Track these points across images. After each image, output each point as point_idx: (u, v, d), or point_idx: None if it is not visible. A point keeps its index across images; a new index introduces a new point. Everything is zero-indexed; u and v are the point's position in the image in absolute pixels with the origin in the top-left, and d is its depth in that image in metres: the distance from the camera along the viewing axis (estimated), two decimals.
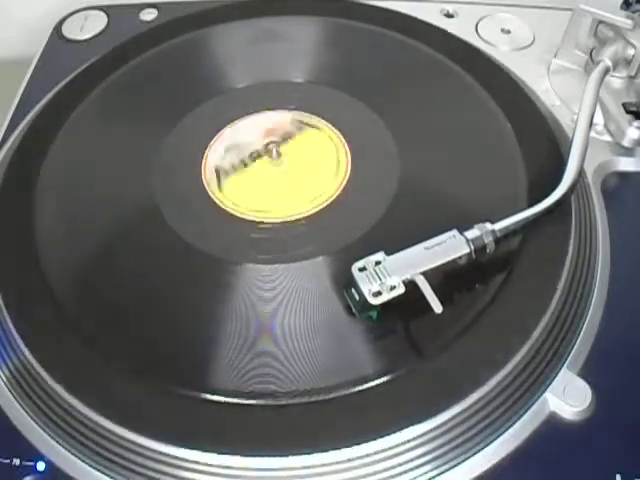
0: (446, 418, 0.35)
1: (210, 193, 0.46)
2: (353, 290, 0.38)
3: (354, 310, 0.39)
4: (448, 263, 0.38)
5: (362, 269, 0.38)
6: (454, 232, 0.39)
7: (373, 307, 0.37)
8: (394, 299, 0.37)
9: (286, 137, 0.49)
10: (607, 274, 0.42)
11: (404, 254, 0.38)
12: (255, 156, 0.48)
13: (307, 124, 0.50)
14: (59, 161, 0.48)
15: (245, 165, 0.47)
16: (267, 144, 0.48)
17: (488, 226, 0.39)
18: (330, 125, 0.49)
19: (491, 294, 0.39)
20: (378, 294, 0.37)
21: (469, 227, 0.39)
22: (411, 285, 0.37)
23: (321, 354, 0.38)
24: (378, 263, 0.38)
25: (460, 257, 0.38)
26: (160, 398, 0.36)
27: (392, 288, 0.37)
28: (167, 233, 0.44)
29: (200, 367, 0.38)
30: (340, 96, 0.51)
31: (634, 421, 0.36)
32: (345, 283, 0.39)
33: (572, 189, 0.41)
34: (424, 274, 0.37)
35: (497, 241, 0.39)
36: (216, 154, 0.48)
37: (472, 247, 0.38)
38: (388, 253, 0.38)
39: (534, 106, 0.49)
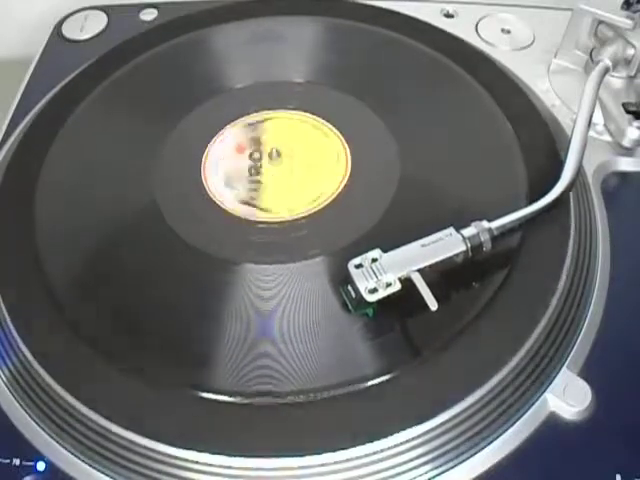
0: (446, 418, 0.35)
1: (210, 193, 0.46)
2: (349, 287, 0.38)
3: (350, 307, 0.39)
4: (445, 261, 0.38)
5: (358, 266, 0.38)
6: (451, 230, 0.39)
7: (369, 304, 0.37)
8: (393, 298, 0.37)
9: (257, 140, 0.49)
10: (607, 274, 0.42)
11: (400, 251, 0.39)
12: (256, 170, 0.47)
13: (263, 120, 0.50)
14: (59, 161, 0.48)
15: (260, 182, 0.47)
16: (250, 155, 0.48)
17: (485, 224, 0.39)
18: (330, 125, 0.49)
19: (490, 293, 0.39)
20: (374, 291, 0.37)
21: (467, 225, 0.39)
22: (408, 283, 0.37)
23: (321, 354, 0.38)
24: (374, 260, 0.38)
25: (457, 255, 0.38)
26: (160, 398, 0.36)
27: (388, 285, 0.37)
28: (167, 233, 0.44)
29: (200, 367, 0.38)
30: (340, 96, 0.51)
31: (634, 421, 0.36)
32: (341, 280, 0.39)
33: (570, 187, 0.41)
34: (421, 271, 0.37)
35: (494, 239, 0.39)
36: (223, 193, 0.46)
37: (468, 245, 0.39)
38: (387, 252, 0.38)
39: (534, 106, 0.49)
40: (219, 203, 0.46)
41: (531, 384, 0.37)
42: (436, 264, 0.38)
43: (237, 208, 0.45)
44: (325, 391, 0.36)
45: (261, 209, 0.45)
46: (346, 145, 0.48)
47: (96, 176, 0.48)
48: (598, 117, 0.48)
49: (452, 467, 0.35)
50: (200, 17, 0.57)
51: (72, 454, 0.37)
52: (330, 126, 0.49)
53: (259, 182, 0.47)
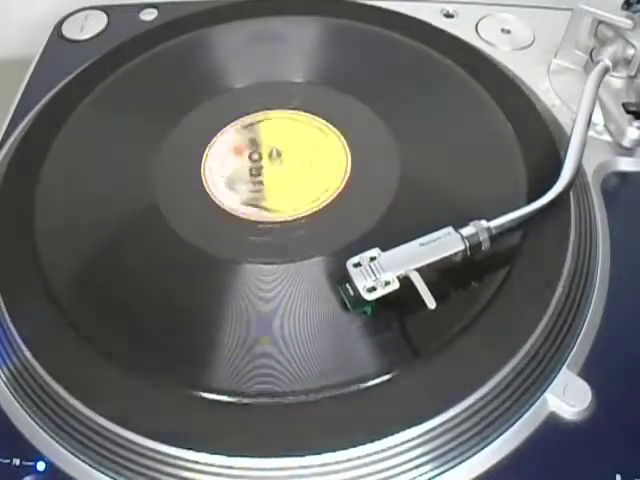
0: (446, 418, 0.35)
1: (210, 193, 0.46)
2: (348, 285, 0.38)
3: (348, 305, 0.39)
4: (443, 260, 0.38)
5: (357, 264, 0.38)
6: (449, 229, 0.39)
7: (367, 303, 0.37)
8: (394, 298, 0.37)
9: (254, 142, 0.49)
10: (607, 274, 0.42)
11: (399, 250, 0.39)
12: (257, 170, 0.47)
13: (255, 122, 0.50)
14: (59, 161, 0.48)
15: (262, 183, 0.47)
16: (250, 155, 0.48)
17: (484, 223, 0.39)
18: (330, 125, 0.49)
19: (491, 293, 0.39)
20: (372, 290, 0.37)
21: (466, 225, 0.39)
22: (407, 282, 0.37)
23: (321, 354, 0.38)
24: (373, 259, 0.38)
25: (455, 254, 0.39)
26: (160, 398, 0.36)
27: (386, 284, 0.37)
28: (167, 233, 0.44)
29: (200, 367, 0.38)
30: (340, 96, 0.51)
31: (634, 421, 0.36)
32: (340, 278, 0.39)
33: (569, 187, 0.41)
34: (420, 271, 0.38)
35: (492, 238, 0.39)
36: (225, 195, 0.46)
37: (467, 244, 0.39)
38: (386, 251, 0.38)
39: (534, 106, 0.49)
40: (219, 203, 0.46)
41: (531, 384, 0.37)
42: (435, 263, 0.38)
43: (241, 210, 0.45)
44: (325, 391, 0.36)
45: (266, 209, 0.45)
46: (346, 145, 0.48)
47: (96, 176, 0.48)
48: (598, 117, 0.48)
49: (452, 467, 0.35)
50: (200, 17, 0.57)
51: (72, 454, 0.37)
52: (330, 126, 0.49)
53: (261, 183, 0.47)
